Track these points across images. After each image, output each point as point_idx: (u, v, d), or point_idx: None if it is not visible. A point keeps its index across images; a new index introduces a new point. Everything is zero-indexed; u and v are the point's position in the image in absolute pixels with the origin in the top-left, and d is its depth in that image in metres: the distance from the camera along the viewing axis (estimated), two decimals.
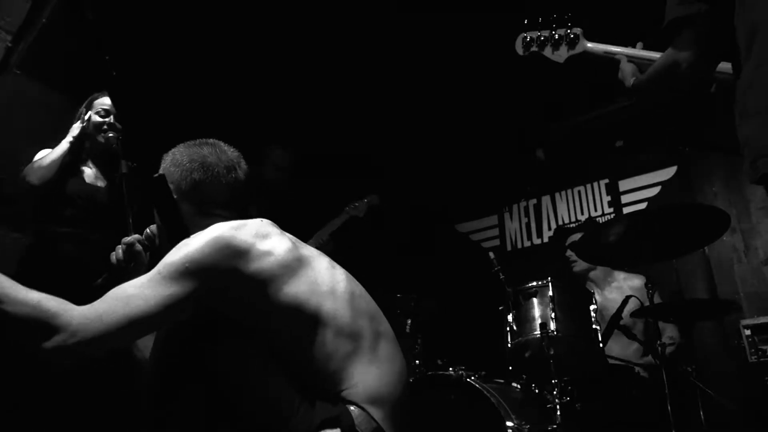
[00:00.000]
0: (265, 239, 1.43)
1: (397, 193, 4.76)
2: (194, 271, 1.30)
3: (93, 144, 2.73)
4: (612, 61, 1.91)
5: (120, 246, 1.68)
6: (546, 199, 5.08)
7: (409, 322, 3.49)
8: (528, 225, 5.12)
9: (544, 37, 2.09)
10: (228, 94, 4.01)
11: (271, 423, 1.27)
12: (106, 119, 2.69)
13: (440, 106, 4.59)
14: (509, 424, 2.30)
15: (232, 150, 1.66)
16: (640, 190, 4.58)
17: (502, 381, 2.70)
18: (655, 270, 3.51)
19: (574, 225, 4.70)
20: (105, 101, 2.70)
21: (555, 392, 2.51)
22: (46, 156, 2.55)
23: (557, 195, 5.02)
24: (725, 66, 1.57)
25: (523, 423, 2.32)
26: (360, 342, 1.42)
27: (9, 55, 2.88)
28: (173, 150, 1.64)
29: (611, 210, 4.68)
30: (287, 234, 1.56)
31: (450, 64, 4.19)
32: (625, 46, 1.92)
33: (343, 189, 4.20)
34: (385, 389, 1.40)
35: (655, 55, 1.82)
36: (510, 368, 2.86)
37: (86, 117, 2.70)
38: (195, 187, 1.56)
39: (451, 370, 2.61)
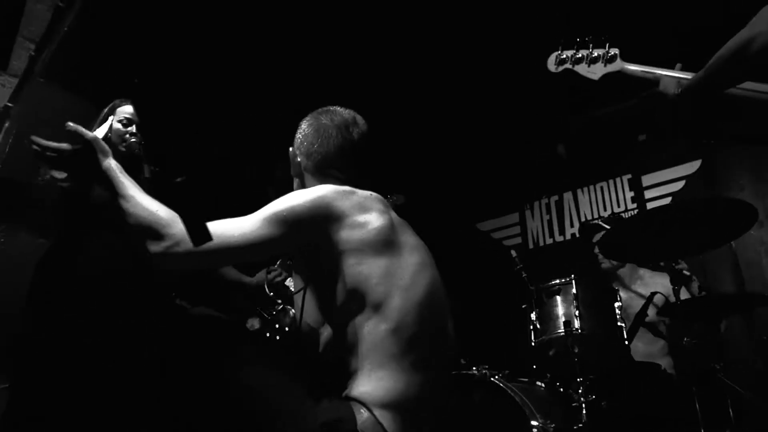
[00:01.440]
0: (363, 212, 1.47)
1: (418, 192, 4.76)
2: (291, 221, 1.41)
3: (114, 152, 2.75)
4: (646, 80, 1.93)
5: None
6: (568, 196, 5.03)
7: None
8: (550, 222, 5.08)
9: (582, 55, 2.11)
10: (249, 96, 4.04)
11: (275, 410, 1.27)
12: (129, 128, 2.71)
13: (461, 104, 4.58)
14: (534, 423, 2.28)
15: (347, 112, 1.76)
16: (664, 184, 4.51)
17: (526, 380, 2.68)
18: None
19: (597, 220, 4.65)
20: (127, 109, 2.72)
21: (580, 391, 2.49)
22: None
23: (579, 191, 4.98)
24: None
25: (549, 422, 2.30)
26: (407, 347, 1.36)
27: (33, 64, 2.92)
28: None
29: (634, 206, 4.62)
30: (394, 216, 1.57)
31: (471, 63, 4.18)
32: (663, 67, 1.94)
33: (366, 188, 4.20)
34: (410, 397, 1.34)
35: (693, 75, 1.84)
36: (534, 367, 2.84)
37: (108, 125, 2.72)
38: (310, 150, 1.70)
39: (475, 370, 2.60)
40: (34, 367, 2.10)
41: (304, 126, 1.75)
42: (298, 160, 1.74)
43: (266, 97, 4.14)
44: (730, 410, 2.63)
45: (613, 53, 2.06)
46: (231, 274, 3.27)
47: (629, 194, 4.68)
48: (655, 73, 1.93)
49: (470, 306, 3.87)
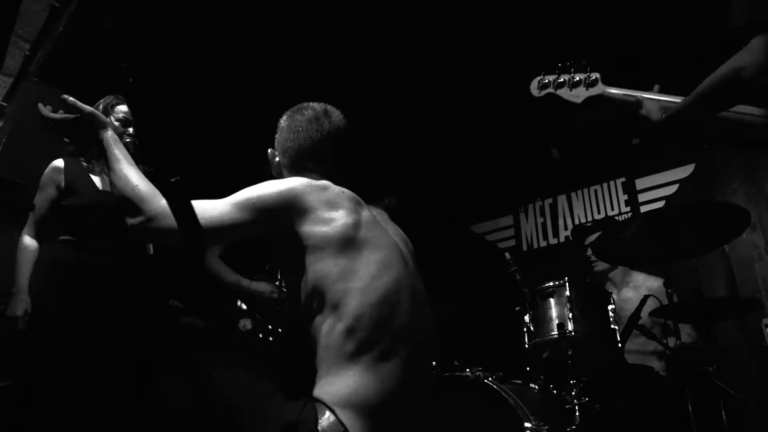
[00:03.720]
0: (330, 209, 1.48)
1: (412, 194, 4.76)
2: (259, 208, 1.45)
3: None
4: (629, 103, 1.97)
5: None
6: (562, 199, 5.05)
7: None
8: (544, 225, 5.09)
9: (563, 79, 2.15)
10: (243, 96, 4.03)
11: (241, 411, 1.28)
12: (126, 128, 2.69)
13: (456, 107, 4.58)
14: (528, 425, 2.28)
15: (319, 105, 1.79)
16: (658, 188, 4.53)
17: (519, 382, 2.68)
18: (673, 270, 3.47)
19: (590, 224, 4.67)
20: (122, 108, 2.70)
21: (573, 393, 2.49)
22: None
23: (573, 194, 4.99)
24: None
25: (542, 424, 2.31)
26: (364, 348, 1.34)
27: (27, 63, 2.92)
28: None
29: (628, 209, 4.64)
30: (367, 214, 1.57)
31: (466, 65, 4.18)
32: (642, 90, 1.98)
33: (358, 191, 4.21)
34: (372, 398, 1.31)
35: (674, 98, 1.90)
36: (528, 369, 2.85)
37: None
38: (285, 146, 1.74)
39: (468, 372, 2.60)
40: (34, 366, 2.09)
41: (280, 124, 1.79)
42: (277, 159, 1.77)
43: (263, 97, 4.14)
44: (723, 413, 2.64)
45: (594, 77, 2.09)
46: (230, 277, 3.28)
47: (623, 197, 4.70)
48: (636, 96, 1.96)
49: (464, 308, 3.88)
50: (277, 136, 1.79)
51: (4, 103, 2.88)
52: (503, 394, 2.40)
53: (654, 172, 4.57)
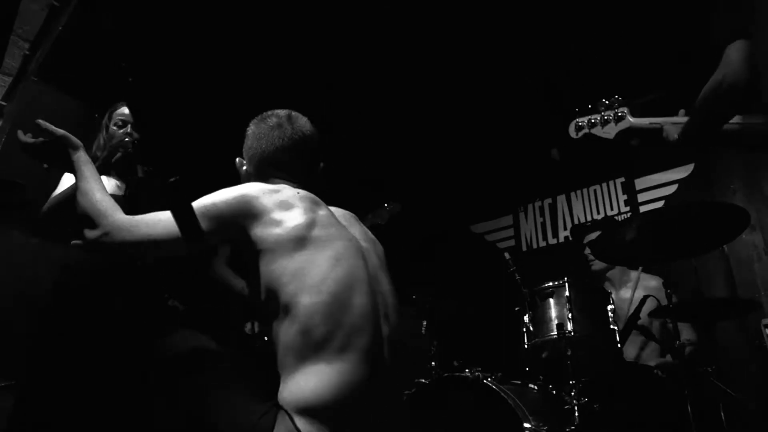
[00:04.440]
0: (283, 210, 1.48)
1: (412, 195, 4.76)
2: (212, 216, 1.47)
3: (111, 153, 2.74)
4: (653, 131, 2.16)
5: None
6: (561, 199, 5.05)
7: (425, 323, 3.48)
8: (543, 225, 5.09)
9: (595, 119, 2.36)
10: (243, 97, 4.03)
11: (211, 419, 1.29)
12: (124, 130, 2.69)
13: (456, 107, 4.59)
14: (527, 425, 2.28)
15: (282, 111, 1.81)
16: (657, 188, 4.53)
17: (519, 382, 2.68)
18: (673, 270, 3.47)
19: (590, 223, 4.67)
20: (123, 111, 2.71)
21: (573, 393, 2.50)
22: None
23: (573, 194, 4.99)
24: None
25: (541, 424, 2.31)
26: (317, 348, 1.33)
27: (26, 63, 2.92)
28: None
29: (627, 209, 4.64)
30: (324, 213, 1.56)
31: (465, 66, 4.19)
32: (668, 115, 2.14)
33: (358, 194, 4.21)
34: (328, 400, 1.28)
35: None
36: (527, 369, 2.85)
37: (107, 131, 2.71)
38: (249, 153, 1.77)
39: (468, 372, 2.60)
40: (36, 366, 2.09)
41: (247, 132, 1.82)
42: (244, 167, 1.80)
43: (262, 97, 4.14)
44: (722, 413, 2.64)
45: (621, 113, 2.31)
46: (236, 283, 3.29)
47: (622, 197, 4.70)
48: (658, 122, 2.14)
49: (464, 308, 3.88)
50: (244, 144, 1.81)
51: (4, 103, 2.87)
52: (502, 394, 2.40)
53: (653, 172, 4.57)
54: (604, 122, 2.34)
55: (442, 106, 4.57)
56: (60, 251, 2.51)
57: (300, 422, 1.26)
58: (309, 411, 1.27)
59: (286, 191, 1.56)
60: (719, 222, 2.48)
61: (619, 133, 2.30)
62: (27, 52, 2.91)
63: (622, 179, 4.74)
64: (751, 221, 2.46)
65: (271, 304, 1.41)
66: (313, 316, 1.35)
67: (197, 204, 1.47)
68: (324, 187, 1.81)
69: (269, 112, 1.82)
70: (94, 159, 2.64)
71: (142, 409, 1.34)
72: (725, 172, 4.16)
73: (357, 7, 3.72)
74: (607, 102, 2.36)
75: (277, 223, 1.45)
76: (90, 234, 1.47)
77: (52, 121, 1.66)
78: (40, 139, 1.62)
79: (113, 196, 2.67)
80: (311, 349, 1.33)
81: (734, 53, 1.69)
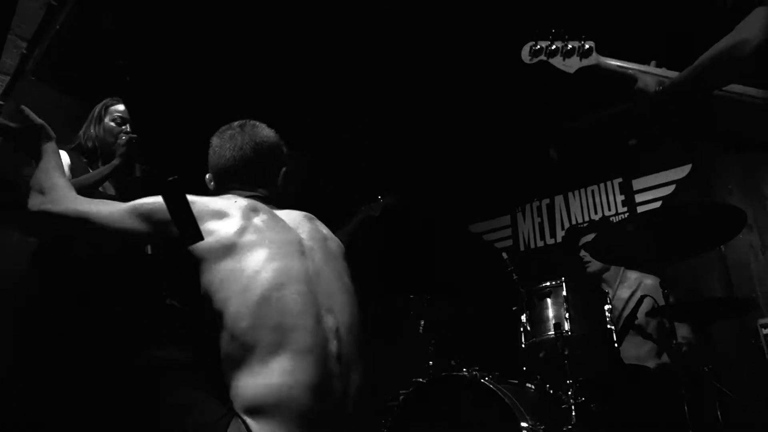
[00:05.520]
0: (216, 219, 1.49)
1: (410, 194, 4.76)
2: (146, 218, 1.49)
3: (107, 151, 2.74)
4: (624, 75, 1.92)
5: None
6: (559, 199, 5.06)
7: (423, 323, 3.49)
8: (541, 225, 5.10)
9: (556, 46, 2.07)
10: (241, 96, 4.03)
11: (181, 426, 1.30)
12: (122, 127, 2.69)
13: (454, 106, 4.59)
14: (524, 425, 2.28)
15: (237, 123, 1.81)
16: (655, 188, 4.54)
17: (516, 382, 2.68)
18: (670, 269, 3.48)
19: (586, 224, 4.67)
20: (119, 108, 2.71)
21: (570, 392, 2.50)
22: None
23: (570, 194, 5.00)
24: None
25: (538, 424, 2.31)
26: (247, 353, 1.33)
27: (24, 62, 2.91)
28: None
29: (625, 209, 4.65)
30: (263, 217, 1.56)
31: (463, 64, 4.19)
32: (639, 63, 1.93)
33: (357, 191, 4.21)
34: (267, 404, 1.28)
35: (670, 73, 1.85)
36: (524, 369, 2.85)
37: (101, 124, 2.70)
38: (211, 167, 1.78)
39: (465, 371, 2.60)
40: (32, 366, 2.09)
41: (211, 143, 1.83)
42: (212, 184, 1.80)
43: (262, 97, 4.14)
44: (719, 413, 2.65)
45: (588, 46, 2.01)
46: None
47: (620, 198, 4.71)
48: (632, 68, 1.91)
49: (461, 308, 3.88)
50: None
51: (1, 101, 2.87)
52: (500, 393, 2.40)
53: (651, 173, 4.58)
54: (567, 53, 2.04)
55: (441, 106, 4.57)
56: (54, 250, 2.51)
57: (252, 424, 1.27)
58: (258, 412, 1.28)
59: (221, 200, 1.56)
60: (716, 222, 2.48)
61: (581, 70, 2.01)
62: (25, 51, 2.90)
63: (620, 179, 4.75)
64: (747, 221, 2.47)
65: (208, 314, 1.41)
66: (241, 321, 1.35)
67: (135, 203, 1.51)
68: (292, 189, 1.83)
69: (226, 126, 1.82)
70: (80, 148, 2.63)
71: (122, 408, 1.36)
72: (722, 173, 4.18)
73: (357, 6, 3.72)
74: (572, 31, 2.06)
75: (209, 232, 1.45)
76: (34, 200, 1.50)
77: (50, 118, 1.69)
78: (12, 123, 1.68)
79: (107, 195, 2.69)
80: (244, 352, 1.33)
81: (764, 15, 1.55)
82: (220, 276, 1.41)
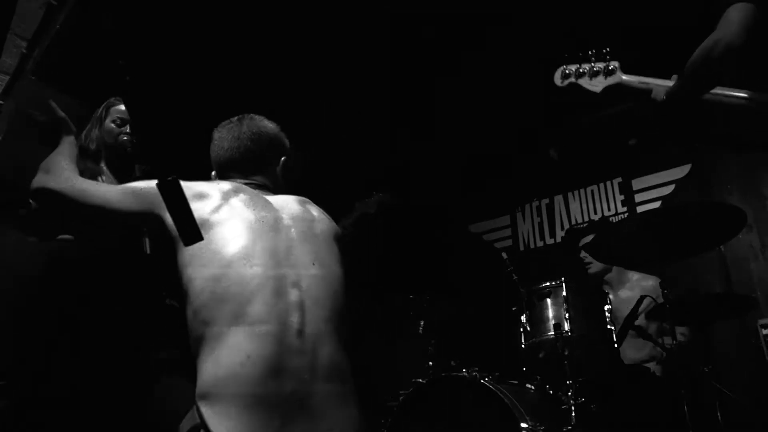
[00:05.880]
0: (197, 201, 1.51)
1: (409, 194, 4.76)
2: (142, 199, 1.53)
3: (108, 152, 2.74)
4: (643, 90, 2.05)
5: None
6: (558, 199, 5.06)
7: (422, 323, 3.48)
8: (541, 225, 5.10)
9: (583, 69, 2.23)
10: (239, 95, 4.03)
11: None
12: (123, 128, 2.68)
13: (455, 106, 4.59)
14: (524, 425, 2.28)
15: (235, 117, 1.87)
16: (654, 188, 4.54)
17: (516, 382, 2.68)
18: (670, 269, 3.48)
19: (585, 225, 4.67)
20: (120, 108, 2.70)
21: (570, 393, 2.50)
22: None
23: (570, 194, 5.00)
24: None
25: (538, 424, 2.31)
26: (210, 324, 1.33)
27: (24, 62, 2.91)
28: None
29: (624, 209, 4.65)
30: (240, 197, 1.58)
31: (463, 64, 4.19)
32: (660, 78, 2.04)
33: (357, 191, 4.21)
34: (220, 384, 1.26)
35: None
36: (524, 369, 2.85)
37: (101, 125, 2.70)
38: (213, 161, 1.83)
39: (465, 372, 2.60)
40: (32, 365, 2.09)
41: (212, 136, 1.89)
42: (214, 176, 1.85)
43: (262, 97, 4.14)
44: (719, 414, 2.65)
45: (612, 66, 2.16)
46: None
47: (619, 198, 4.71)
48: (649, 83, 2.03)
49: (461, 308, 3.88)
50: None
51: (1, 101, 2.86)
52: (500, 394, 2.40)
53: (650, 173, 4.58)
54: (594, 73, 2.21)
55: (441, 106, 4.57)
56: (52, 249, 2.51)
57: (204, 408, 1.24)
58: (210, 394, 1.26)
59: (209, 184, 1.61)
60: (716, 222, 2.48)
61: (607, 89, 2.17)
62: (24, 51, 2.90)
63: (620, 179, 4.75)
64: (747, 221, 2.47)
65: (182, 293, 1.44)
66: (201, 295, 1.37)
67: (130, 184, 1.58)
68: (295, 176, 1.90)
69: (226, 121, 1.88)
70: (84, 150, 2.63)
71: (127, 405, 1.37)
72: (722, 173, 4.18)
73: (357, 6, 3.72)
74: (597, 52, 2.22)
75: None
76: (38, 179, 1.56)
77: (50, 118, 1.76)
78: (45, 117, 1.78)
79: None
80: (204, 327, 1.34)
81: (735, 14, 1.64)
82: (189, 253, 1.44)
